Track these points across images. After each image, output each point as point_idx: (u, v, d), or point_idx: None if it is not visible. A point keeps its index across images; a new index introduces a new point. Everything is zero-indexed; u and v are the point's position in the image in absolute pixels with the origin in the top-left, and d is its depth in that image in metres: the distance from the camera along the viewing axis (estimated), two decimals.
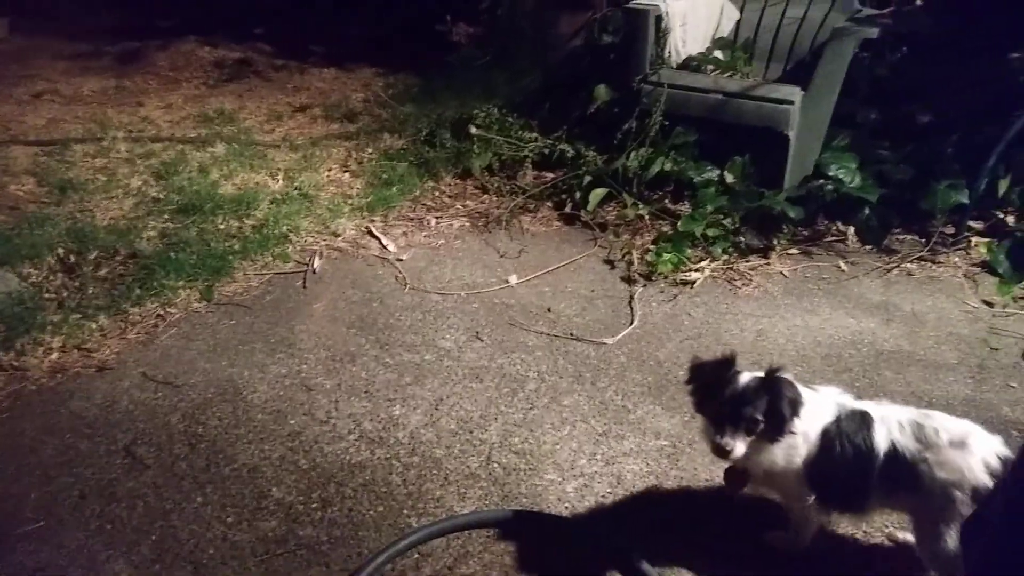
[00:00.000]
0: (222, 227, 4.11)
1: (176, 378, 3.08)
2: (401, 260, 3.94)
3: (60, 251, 3.78)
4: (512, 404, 2.94)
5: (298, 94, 6.17)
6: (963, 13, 4.59)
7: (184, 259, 3.77)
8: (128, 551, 2.37)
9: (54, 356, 3.19)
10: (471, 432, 2.80)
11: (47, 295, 3.51)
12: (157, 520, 2.47)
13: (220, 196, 4.38)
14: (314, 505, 2.52)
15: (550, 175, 4.67)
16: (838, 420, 2.08)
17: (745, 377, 2.08)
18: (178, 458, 2.70)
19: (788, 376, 2.07)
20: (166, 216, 4.20)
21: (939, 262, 3.77)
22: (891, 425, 2.09)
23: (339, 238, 4.12)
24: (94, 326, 3.34)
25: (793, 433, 2.06)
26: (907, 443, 2.05)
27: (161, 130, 5.38)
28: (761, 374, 2.09)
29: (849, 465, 2.06)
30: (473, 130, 4.81)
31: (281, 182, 4.64)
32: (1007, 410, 2.83)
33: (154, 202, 4.35)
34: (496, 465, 2.66)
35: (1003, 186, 3.83)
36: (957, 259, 3.77)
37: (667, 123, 4.27)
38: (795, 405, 2.04)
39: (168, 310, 3.50)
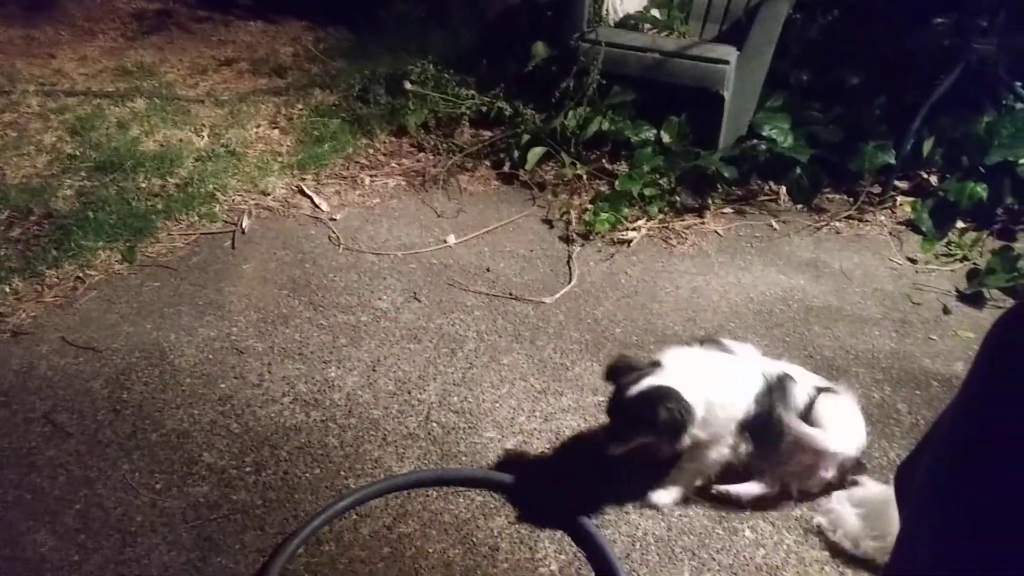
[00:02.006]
0: (144, 186, 3.92)
1: (98, 343, 2.95)
2: (334, 220, 3.84)
3: None
4: (451, 364, 2.91)
5: (223, 47, 5.90)
6: None
7: (103, 219, 3.59)
8: (51, 521, 2.27)
9: None
10: (409, 392, 2.77)
11: None
12: (81, 489, 2.38)
13: (141, 153, 4.17)
14: (247, 469, 2.46)
15: (488, 133, 4.60)
16: (768, 389, 2.17)
17: (634, 389, 2.15)
18: (102, 425, 2.60)
19: (670, 387, 2.12)
20: (83, 174, 3.98)
21: (866, 220, 3.88)
22: (805, 389, 2.29)
23: (269, 197, 3.98)
24: (7, 289, 3.16)
25: (685, 440, 2.16)
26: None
27: (76, 84, 5.08)
28: (652, 382, 2.14)
29: (777, 424, 2.21)
30: (408, 86, 4.69)
31: (207, 139, 4.44)
32: (928, 362, 2.94)
33: (70, 159, 4.12)
34: (435, 424, 2.64)
35: (927, 147, 3.95)
36: (883, 218, 3.89)
37: (604, 82, 4.24)
38: (676, 424, 2.11)
39: (87, 272, 3.33)
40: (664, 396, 2.11)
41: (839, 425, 2.26)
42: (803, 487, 2.34)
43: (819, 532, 2.28)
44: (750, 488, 2.34)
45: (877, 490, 2.26)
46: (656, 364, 2.21)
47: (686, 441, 2.18)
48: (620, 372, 2.25)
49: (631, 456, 2.30)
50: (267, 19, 6.39)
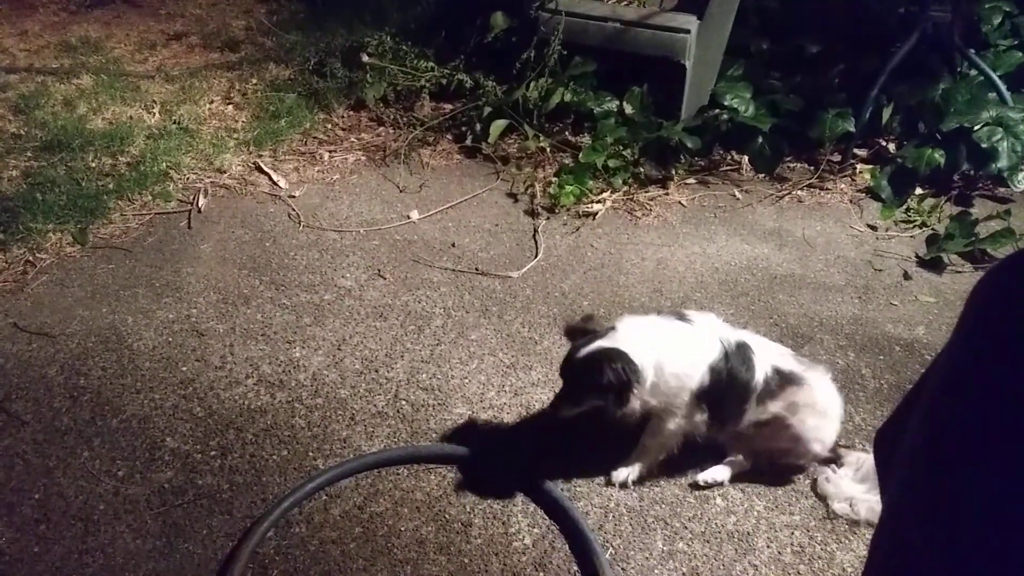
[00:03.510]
0: (93, 165, 3.79)
1: (51, 328, 2.85)
2: (293, 197, 3.75)
3: None
4: (418, 341, 2.88)
5: (172, 21, 5.71)
6: None
7: (52, 200, 3.47)
8: (8, 513, 2.20)
9: None
10: (377, 371, 2.73)
11: None
12: (39, 479, 2.30)
13: (89, 132, 4.03)
14: (212, 453, 2.40)
15: (448, 106, 4.53)
16: (725, 356, 2.16)
17: (585, 350, 2.16)
18: (59, 412, 2.52)
19: (618, 348, 2.13)
20: (29, 154, 3.83)
21: (827, 189, 3.91)
22: (765, 357, 2.26)
23: (225, 175, 3.88)
24: None
25: (634, 401, 2.15)
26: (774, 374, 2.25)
27: (17, 60, 4.88)
28: (601, 344, 2.15)
29: (734, 394, 2.22)
30: (365, 59, 4.59)
31: (158, 116, 4.30)
32: (890, 327, 2.99)
33: (14, 139, 3.96)
34: (404, 402, 2.61)
35: (886, 115, 3.99)
36: (843, 186, 3.93)
37: (566, 52, 4.20)
38: (621, 384, 2.11)
39: (38, 255, 3.22)
40: (610, 356, 2.12)
41: (816, 416, 2.27)
42: (779, 465, 2.35)
43: (816, 494, 2.30)
44: (727, 469, 2.34)
45: (868, 456, 2.28)
46: (611, 329, 2.21)
47: (635, 404, 2.17)
48: (575, 334, 2.26)
49: (588, 423, 2.29)
50: None
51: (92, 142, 3.93)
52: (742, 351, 2.23)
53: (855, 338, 2.92)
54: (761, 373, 2.23)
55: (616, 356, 2.12)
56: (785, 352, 2.35)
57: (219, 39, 5.32)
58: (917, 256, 3.41)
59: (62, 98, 4.37)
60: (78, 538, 2.15)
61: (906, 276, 3.29)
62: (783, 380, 2.24)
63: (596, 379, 2.11)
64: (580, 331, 2.26)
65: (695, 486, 2.34)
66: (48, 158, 3.80)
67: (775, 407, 2.24)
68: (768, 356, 2.28)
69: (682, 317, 2.32)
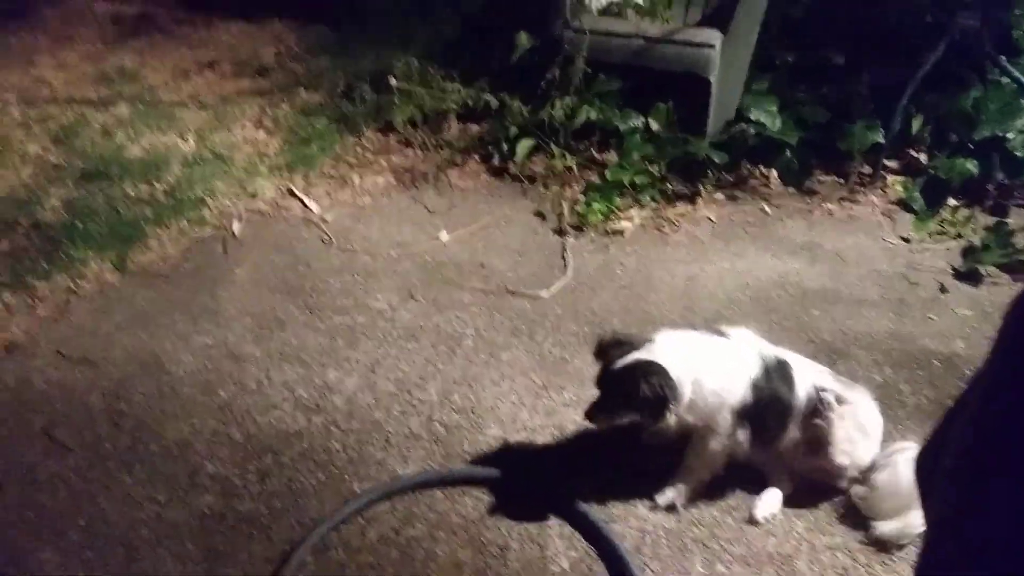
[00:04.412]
0: (131, 193, 3.88)
1: (93, 354, 2.92)
2: (326, 220, 3.81)
3: None
4: (450, 362, 2.90)
5: (204, 49, 5.83)
6: None
7: (93, 228, 3.56)
8: (55, 538, 2.26)
9: None
10: (410, 393, 2.76)
11: None
12: (84, 504, 2.36)
13: (127, 160, 4.13)
14: (251, 477, 2.44)
15: (475, 127, 4.57)
16: (766, 372, 2.16)
17: (622, 361, 2.15)
18: (101, 438, 2.57)
19: (656, 363, 2.11)
20: (69, 183, 3.94)
21: (858, 201, 3.88)
22: (805, 375, 2.25)
23: (258, 200, 3.95)
24: None
25: (669, 416, 2.14)
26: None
27: (56, 91, 5.02)
28: (639, 356, 2.14)
29: (776, 411, 2.20)
30: (393, 82, 4.65)
31: (192, 143, 4.40)
32: (927, 341, 2.95)
33: (55, 169, 4.07)
34: (437, 424, 2.63)
35: (916, 125, 3.95)
36: (875, 198, 3.89)
37: (590, 70, 4.21)
38: (658, 399, 2.09)
39: (79, 283, 3.30)
40: (648, 370, 2.10)
41: (855, 439, 2.24)
42: (818, 485, 2.33)
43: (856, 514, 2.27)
44: (775, 498, 2.32)
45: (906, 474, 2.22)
46: (648, 341, 2.20)
47: (671, 420, 2.15)
48: (610, 346, 2.24)
49: (624, 443, 2.29)
50: (248, 19, 6.31)
51: (130, 170, 4.03)
52: (782, 368, 2.22)
53: (892, 353, 2.89)
54: (802, 391, 2.21)
55: (654, 370, 2.11)
56: (823, 371, 2.33)
57: (250, 66, 5.43)
58: (953, 268, 3.37)
59: (100, 127, 4.49)
60: (122, 563, 2.19)
61: (942, 289, 3.25)
62: (823, 399, 2.22)
63: (633, 392, 2.10)
64: (613, 343, 2.25)
65: (753, 522, 2.29)
66: (88, 187, 3.90)
67: (815, 427, 2.22)
68: (808, 374, 2.26)
69: (719, 333, 2.31)
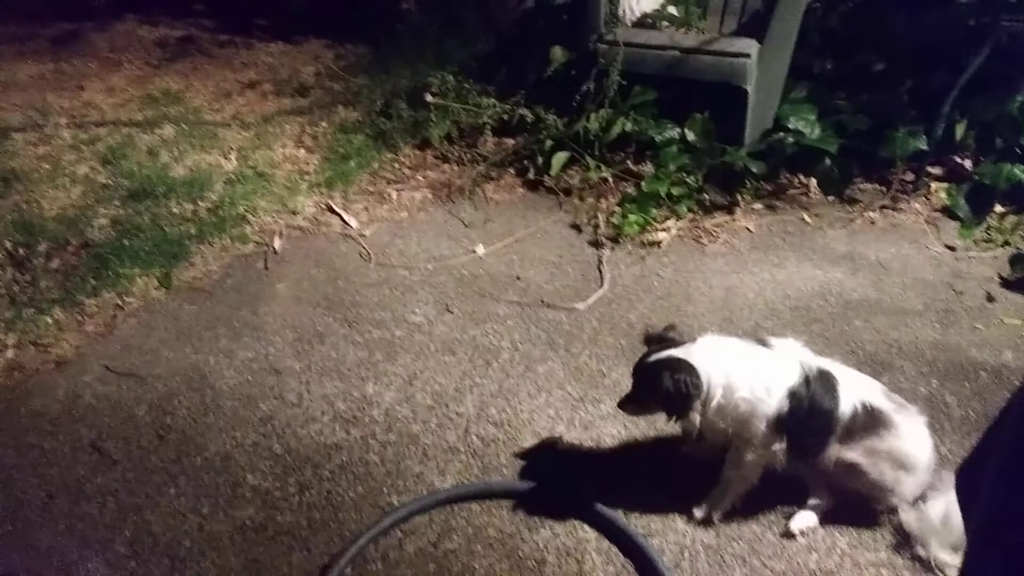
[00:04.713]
0: (176, 211, 3.98)
1: (139, 369, 2.99)
2: (364, 235, 3.86)
3: (8, 245, 3.64)
4: (487, 375, 2.91)
5: (246, 70, 5.97)
6: None
7: (139, 246, 3.65)
8: (102, 549, 2.31)
9: (9, 354, 3.07)
10: (447, 406, 2.77)
11: None
12: (129, 515, 2.41)
13: (172, 179, 4.24)
14: (291, 490, 2.47)
15: (510, 141, 4.60)
16: (806, 382, 2.11)
17: (656, 355, 2.19)
18: (147, 451, 2.63)
19: (685, 360, 2.13)
20: (117, 203, 4.05)
21: (901, 209, 3.81)
22: (854, 390, 2.17)
23: (299, 216, 4.02)
24: (49, 320, 3.23)
25: (692, 416, 2.14)
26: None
27: (105, 114, 5.18)
28: (672, 353, 2.17)
29: (815, 424, 2.14)
30: (429, 98, 4.71)
31: (235, 162, 4.50)
32: (974, 352, 2.87)
33: (103, 189, 4.19)
34: (474, 437, 2.64)
35: (960, 131, 3.87)
36: (918, 205, 3.81)
37: (625, 82, 4.22)
38: (680, 396, 2.10)
39: (126, 299, 3.39)
40: (675, 366, 2.13)
41: (899, 466, 2.17)
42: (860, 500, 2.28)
43: (902, 532, 2.22)
44: (811, 514, 2.28)
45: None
46: (689, 342, 2.22)
47: (695, 419, 2.15)
48: (653, 340, 2.30)
49: (668, 451, 2.28)
50: (287, 40, 6.46)
51: (174, 189, 4.14)
52: (825, 378, 2.16)
53: (937, 365, 2.82)
54: (848, 405, 2.15)
55: (680, 367, 2.12)
56: (876, 387, 2.24)
57: (290, 86, 5.54)
58: (1000, 277, 3.28)
59: (146, 148, 4.61)
60: (166, 574, 2.24)
61: (989, 298, 3.16)
62: (870, 419, 2.15)
63: (658, 385, 2.13)
64: (659, 339, 2.29)
65: (788, 535, 2.25)
66: (134, 206, 4.01)
67: (857, 448, 2.16)
68: (857, 389, 2.18)
69: (763, 343, 2.28)
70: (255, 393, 2.87)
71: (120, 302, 3.37)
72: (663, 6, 4.65)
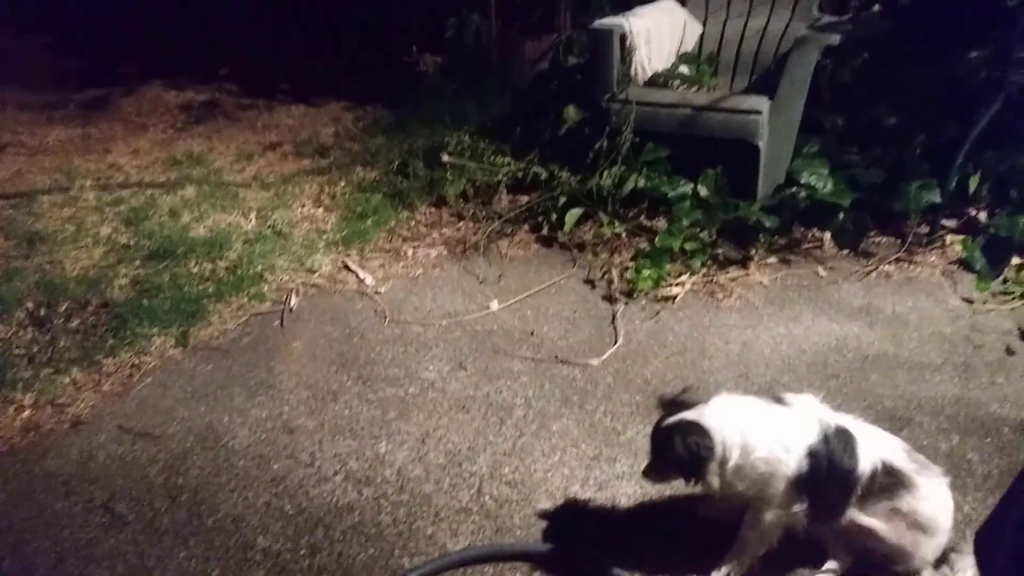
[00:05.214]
0: (195, 270, 4.05)
1: (154, 429, 3.00)
2: (380, 293, 3.89)
3: (30, 305, 3.70)
4: (500, 433, 2.89)
5: (267, 132, 6.13)
6: (920, 17, 4.67)
7: (158, 305, 3.70)
8: None
9: (26, 414, 3.09)
10: (460, 465, 2.75)
11: (17, 351, 3.42)
12: None
13: (192, 239, 4.32)
14: (302, 552, 2.44)
15: (525, 198, 4.66)
16: (825, 440, 2.07)
17: (669, 420, 2.19)
18: (159, 512, 2.62)
19: (697, 422, 2.11)
20: (137, 263, 4.12)
21: (916, 262, 3.78)
22: (874, 448, 2.12)
23: (315, 274, 4.07)
24: (67, 380, 3.26)
25: (709, 478, 2.12)
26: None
27: (129, 176, 5.32)
28: (684, 416, 2.16)
29: (835, 483, 2.09)
30: (445, 158, 4.80)
31: (254, 221, 4.58)
32: (996, 407, 2.82)
33: (124, 249, 4.28)
34: (487, 497, 2.60)
35: (973, 183, 3.86)
36: (934, 258, 3.79)
37: (638, 140, 4.28)
38: (693, 459, 2.09)
39: (143, 359, 3.42)
40: (686, 429, 2.11)
41: (918, 530, 2.10)
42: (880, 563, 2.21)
43: None
44: (831, 573, 2.22)
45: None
46: (702, 404, 2.20)
47: (714, 482, 2.11)
48: (667, 404, 2.32)
49: (685, 512, 2.23)
50: (308, 102, 6.65)
51: (194, 249, 4.21)
52: (843, 436, 2.11)
53: (958, 420, 2.76)
54: (867, 464, 2.10)
55: (692, 429, 2.10)
56: (897, 445, 2.18)
57: (310, 146, 5.68)
58: (1019, 329, 3.23)
59: (168, 209, 4.72)
60: None
61: (1009, 351, 3.11)
62: (890, 479, 2.10)
63: (670, 449, 2.11)
64: (673, 402, 2.29)
65: None
66: (155, 265, 4.08)
67: (877, 510, 2.10)
68: (877, 448, 2.12)
69: (779, 400, 2.25)
70: (268, 452, 2.86)
71: (137, 361, 3.40)
72: (674, 65, 4.73)
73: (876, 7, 4.95)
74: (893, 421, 2.77)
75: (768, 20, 4.73)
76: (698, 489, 2.22)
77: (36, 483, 2.76)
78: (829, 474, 2.08)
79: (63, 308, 3.69)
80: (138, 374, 3.33)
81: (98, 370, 3.33)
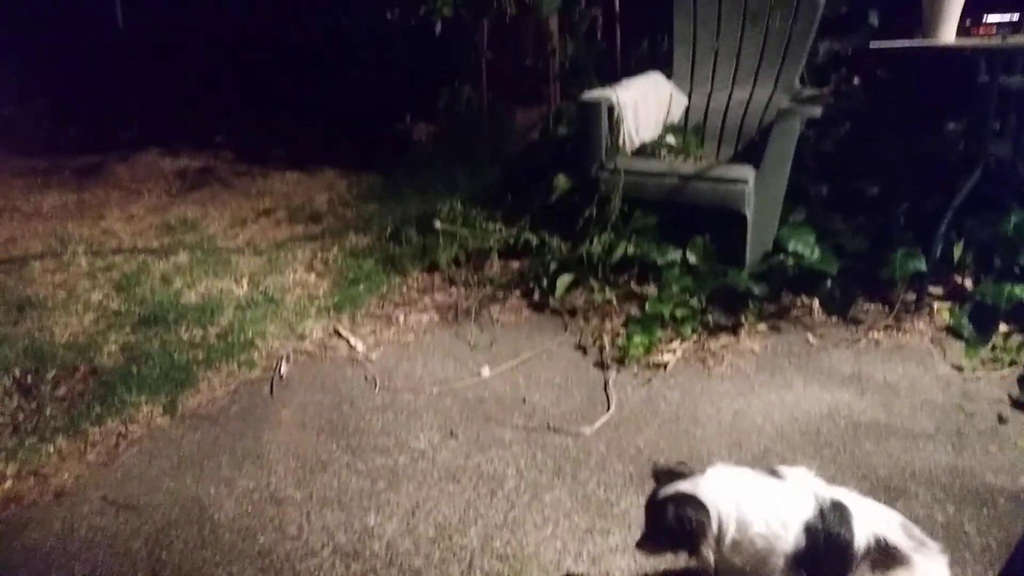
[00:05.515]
0: (186, 337, 4.03)
1: (138, 500, 2.94)
2: (370, 360, 3.88)
3: (16, 372, 3.67)
4: (491, 505, 2.84)
5: (261, 198, 6.20)
6: (899, 90, 4.83)
7: (147, 373, 3.68)
8: None
9: (8, 485, 3.03)
10: (450, 538, 2.70)
11: (1, 420, 3.38)
12: None
13: (183, 305, 4.32)
14: None
15: (516, 264, 4.70)
16: (821, 514, 2.06)
17: (664, 491, 2.15)
18: None
19: (692, 495, 2.08)
20: (128, 329, 4.11)
21: (905, 329, 3.81)
22: (869, 522, 2.09)
23: (306, 341, 4.06)
24: (51, 449, 3.21)
25: (704, 551, 2.08)
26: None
27: (123, 242, 5.35)
28: (679, 487, 2.13)
29: (832, 560, 2.05)
30: (438, 224, 4.85)
31: (246, 287, 4.59)
32: (990, 477, 2.80)
33: (115, 315, 4.27)
34: (478, 572, 2.55)
35: (957, 251, 3.93)
36: (922, 325, 3.82)
37: (627, 207, 4.35)
38: (687, 532, 2.06)
39: (130, 427, 3.38)
40: (681, 501, 2.07)
41: None
42: None
43: None
44: None
45: None
46: (698, 474, 2.17)
47: (709, 556, 2.06)
48: (662, 475, 2.24)
49: None
50: (303, 169, 6.75)
51: (185, 315, 4.20)
52: (839, 510, 2.09)
53: (952, 490, 2.74)
54: (863, 538, 2.08)
55: (687, 501, 2.07)
56: (894, 520, 2.14)
57: (304, 213, 5.74)
58: (1010, 397, 3.24)
59: (160, 275, 4.73)
60: None
61: (1001, 420, 3.11)
62: (886, 556, 2.07)
63: (664, 522, 2.08)
64: (668, 473, 2.24)
65: None
66: (145, 332, 4.06)
67: None
68: (872, 521, 2.09)
69: (774, 472, 2.24)
70: (254, 524, 2.80)
71: (124, 430, 3.35)
72: (662, 135, 4.85)
73: (856, 80, 5.13)
74: (888, 491, 2.75)
75: (752, 92, 4.87)
76: (693, 563, 2.18)
77: (15, 558, 2.69)
78: (826, 550, 2.05)
79: (51, 375, 3.66)
80: (124, 443, 3.28)
81: (84, 439, 3.29)
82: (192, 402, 3.56)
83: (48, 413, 3.42)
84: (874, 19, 4.93)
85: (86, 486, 3.03)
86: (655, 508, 2.16)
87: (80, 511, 2.90)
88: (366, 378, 3.72)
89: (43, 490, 3.01)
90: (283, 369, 3.80)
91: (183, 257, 4.95)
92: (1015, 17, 3.69)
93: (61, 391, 3.59)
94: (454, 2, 5.22)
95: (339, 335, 4.12)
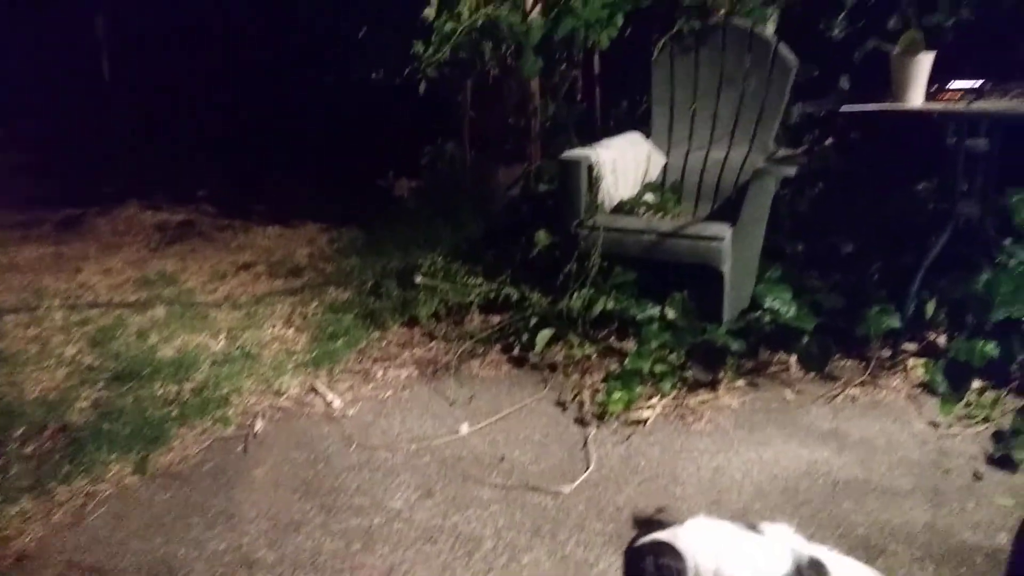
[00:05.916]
0: (159, 393, 3.97)
1: (104, 563, 2.86)
2: (347, 416, 3.84)
3: None
4: (468, 567, 2.79)
5: (242, 252, 6.19)
6: (871, 150, 4.96)
7: (118, 430, 3.61)
8: None
9: None
10: None
11: None
12: None
13: (158, 360, 4.27)
14: None
15: (497, 318, 4.70)
16: (798, 571, 2.04)
17: (642, 540, 2.12)
18: None
19: (670, 544, 2.05)
20: (100, 384, 4.05)
21: (880, 385, 3.84)
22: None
23: (283, 397, 4.01)
24: (15, 511, 3.11)
25: None
26: None
27: (99, 296, 5.30)
28: (657, 536, 2.10)
29: None
30: (419, 279, 4.86)
31: (223, 342, 4.55)
32: (968, 535, 2.80)
33: (89, 370, 4.21)
34: None
35: (930, 309, 3.97)
36: (897, 382, 3.85)
37: (606, 263, 4.38)
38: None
39: (98, 486, 3.30)
40: (657, 550, 2.03)
41: None
42: None
43: None
44: None
45: None
46: (677, 525, 2.15)
47: None
48: (641, 524, 2.23)
49: None
50: (284, 223, 6.76)
51: (160, 370, 4.15)
52: (817, 567, 2.09)
53: (931, 548, 2.73)
54: None
55: (664, 551, 2.03)
56: None
57: (284, 267, 5.73)
58: (986, 454, 3.26)
59: (136, 329, 4.68)
60: None
61: (976, 477, 3.12)
62: None
63: (641, 571, 2.03)
64: (648, 521, 2.24)
65: None
66: (118, 388, 4.00)
67: None
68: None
69: (753, 527, 2.22)
70: None
71: (92, 489, 3.27)
72: (640, 193, 4.92)
73: (829, 141, 5.26)
74: (867, 549, 2.73)
75: (728, 152, 4.97)
76: None
77: None
78: None
79: (19, 432, 3.58)
80: (92, 503, 3.20)
81: (50, 499, 3.20)
82: (164, 460, 3.49)
83: (13, 472, 3.33)
84: (845, 83, 5.08)
85: (50, 549, 2.94)
86: (632, 556, 2.13)
87: (43, 575, 2.81)
88: (342, 435, 3.67)
89: (3, 554, 2.92)
90: (258, 426, 3.74)
91: (160, 311, 4.91)
92: (977, 84, 3.82)
93: (28, 449, 3.51)
94: (439, 63, 5.33)
95: (315, 391, 4.07)
